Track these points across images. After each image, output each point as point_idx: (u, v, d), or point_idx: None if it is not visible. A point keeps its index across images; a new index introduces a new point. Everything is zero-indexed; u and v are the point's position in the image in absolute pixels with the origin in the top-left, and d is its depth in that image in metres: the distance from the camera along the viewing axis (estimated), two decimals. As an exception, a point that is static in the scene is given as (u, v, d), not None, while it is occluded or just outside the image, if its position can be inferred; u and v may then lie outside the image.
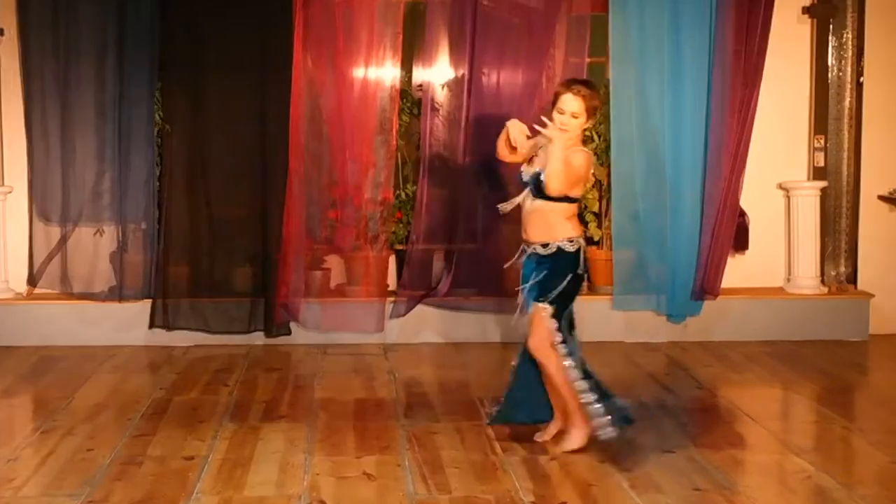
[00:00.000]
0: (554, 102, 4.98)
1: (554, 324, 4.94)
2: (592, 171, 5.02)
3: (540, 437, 5.19)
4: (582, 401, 4.95)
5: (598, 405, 4.92)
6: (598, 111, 5.02)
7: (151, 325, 7.39)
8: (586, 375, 4.99)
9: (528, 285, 5.03)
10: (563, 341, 4.95)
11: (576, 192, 4.99)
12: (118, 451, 5.09)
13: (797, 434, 5.67)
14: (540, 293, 4.97)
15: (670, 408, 5.94)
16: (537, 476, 4.77)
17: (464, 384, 6.47)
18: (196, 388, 6.37)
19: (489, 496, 4.53)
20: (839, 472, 4.88)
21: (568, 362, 4.95)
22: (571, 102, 4.89)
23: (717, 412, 6.04)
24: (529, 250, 5.04)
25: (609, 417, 4.91)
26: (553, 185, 4.85)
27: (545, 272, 4.95)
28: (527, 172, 5.02)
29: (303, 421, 5.64)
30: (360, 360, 7.14)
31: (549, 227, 4.94)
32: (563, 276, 4.94)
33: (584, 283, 5.11)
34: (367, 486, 4.66)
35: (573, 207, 5.03)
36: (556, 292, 4.93)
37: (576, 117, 4.88)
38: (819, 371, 6.88)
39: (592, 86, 5.00)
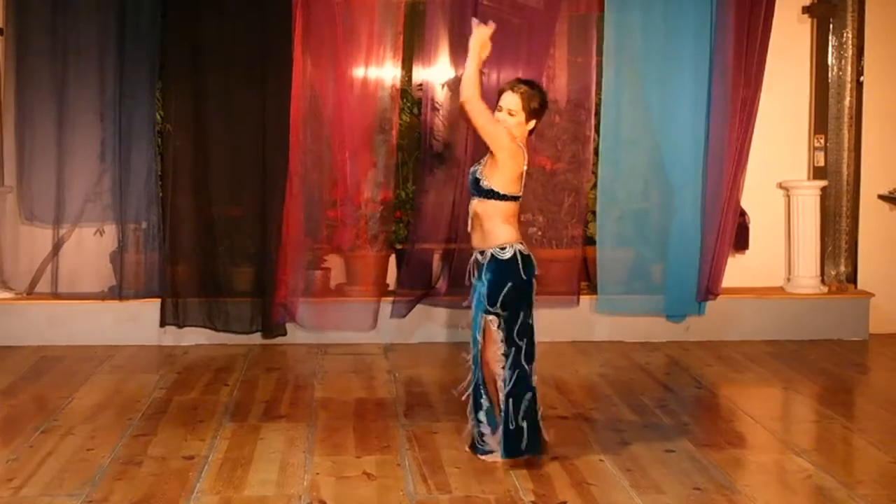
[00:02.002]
0: (497, 101, 4.86)
1: (500, 335, 4.81)
2: (525, 168, 4.85)
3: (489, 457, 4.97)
4: (499, 420, 4.83)
5: (509, 425, 4.80)
6: (540, 114, 4.81)
7: (163, 324, 7.38)
8: (523, 394, 4.82)
9: (475, 295, 4.89)
10: (506, 353, 4.80)
11: (504, 187, 4.76)
12: (118, 451, 5.09)
13: (797, 434, 5.67)
14: (484, 304, 4.82)
15: (670, 408, 5.95)
16: (537, 476, 4.77)
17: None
18: (196, 387, 6.36)
19: (489, 496, 4.53)
20: (839, 471, 4.89)
21: (503, 375, 4.81)
22: (508, 98, 4.78)
23: (718, 412, 6.05)
24: (474, 256, 4.91)
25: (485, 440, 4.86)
26: (463, 92, 4.69)
27: (487, 282, 4.81)
28: (470, 175, 4.91)
29: (303, 421, 5.64)
30: (360, 359, 7.14)
31: (487, 232, 4.81)
32: (502, 285, 4.77)
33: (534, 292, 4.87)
34: (367, 486, 4.66)
35: (511, 207, 4.80)
36: (498, 303, 4.77)
37: (512, 115, 4.75)
38: (819, 371, 6.89)
39: (536, 87, 4.87)
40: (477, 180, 4.81)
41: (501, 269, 4.79)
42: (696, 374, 6.76)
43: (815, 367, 6.96)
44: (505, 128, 4.77)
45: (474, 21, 4.84)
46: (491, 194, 4.78)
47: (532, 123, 4.83)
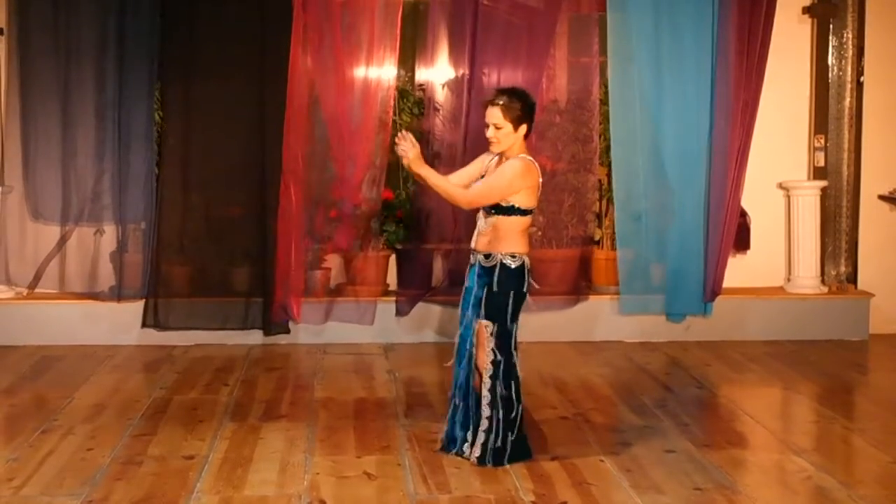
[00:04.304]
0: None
1: (492, 342, 4.81)
2: (540, 178, 4.89)
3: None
4: (481, 427, 4.85)
5: (492, 435, 4.83)
6: (528, 118, 4.80)
7: (144, 325, 7.38)
8: (515, 400, 4.86)
9: (470, 299, 4.88)
10: (496, 361, 4.82)
11: (525, 202, 4.80)
12: (118, 451, 5.09)
13: (797, 434, 5.67)
14: (481, 309, 4.83)
15: (670, 408, 5.95)
16: (537, 476, 4.77)
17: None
18: (196, 387, 6.36)
19: (489, 496, 4.53)
20: (839, 471, 4.89)
21: (491, 385, 4.82)
22: (490, 113, 4.80)
23: (718, 412, 6.05)
24: (474, 259, 4.91)
25: (481, 450, 4.85)
26: (460, 200, 4.82)
27: (486, 287, 4.81)
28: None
29: (303, 421, 5.63)
30: (360, 359, 7.14)
31: (499, 239, 4.81)
32: (505, 294, 4.80)
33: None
34: (367, 486, 4.66)
35: (528, 220, 4.86)
36: (495, 310, 4.79)
37: (499, 128, 4.76)
38: (819, 371, 6.88)
39: (517, 94, 4.86)
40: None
41: (507, 277, 4.81)
42: (696, 375, 6.76)
43: (815, 368, 6.96)
44: (503, 170, 4.79)
45: (399, 149, 4.88)
46: (512, 211, 4.80)
47: (523, 128, 4.82)
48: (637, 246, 7.61)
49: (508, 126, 4.78)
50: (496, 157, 4.95)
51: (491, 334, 4.82)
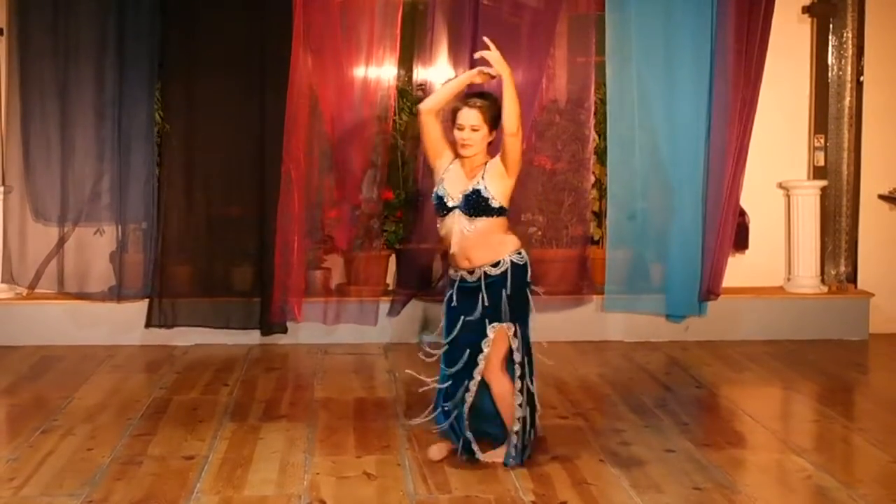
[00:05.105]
0: (453, 120, 4.80)
1: (515, 343, 4.77)
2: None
3: (489, 458, 4.91)
4: (514, 428, 4.81)
5: (525, 434, 4.82)
6: (498, 122, 4.76)
7: (148, 324, 7.38)
8: (530, 400, 4.85)
9: (472, 317, 4.75)
10: (522, 362, 4.78)
11: (508, 202, 4.76)
12: (118, 451, 5.09)
13: (797, 433, 5.67)
14: (500, 314, 4.72)
15: (670, 407, 5.95)
16: (537, 476, 4.77)
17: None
18: (196, 387, 6.37)
19: (489, 496, 4.53)
20: (839, 471, 4.89)
21: (517, 385, 4.79)
22: (469, 115, 4.71)
23: (718, 411, 6.05)
24: (472, 277, 4.78)
25: (516, 449, 4.83)
26: (512, 124, 4.63)
27: (501, 292, 4.73)
28: (452, 197, 4.77)
29: (303, 421, 5.64)
30: (360, 359, 7.14)
31: (495, 244, 4.75)
32: (523, 292, 4.77)
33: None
34: (367, 486, 4.66)
35: (506, 220, 4.83)
36: (518, 310, 4.75)
37: (476, 130, 4.69)
38: (819, 371, 6.89)
39: (491, 97, 4.84)
40: (485, 199, 4.72)
41: (521, 274, 4.79)
42: (695, 374, 6.76)
43: (814, 367, 6.96)
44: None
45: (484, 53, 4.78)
46: (501, 211, 4.78)
47: (493, 134, 4.81)
48: (632, 245, 7.62)
49: (485, 128, 4.74)
50: (458, 161, 4.84)
51: (514, 335, 4.78)
